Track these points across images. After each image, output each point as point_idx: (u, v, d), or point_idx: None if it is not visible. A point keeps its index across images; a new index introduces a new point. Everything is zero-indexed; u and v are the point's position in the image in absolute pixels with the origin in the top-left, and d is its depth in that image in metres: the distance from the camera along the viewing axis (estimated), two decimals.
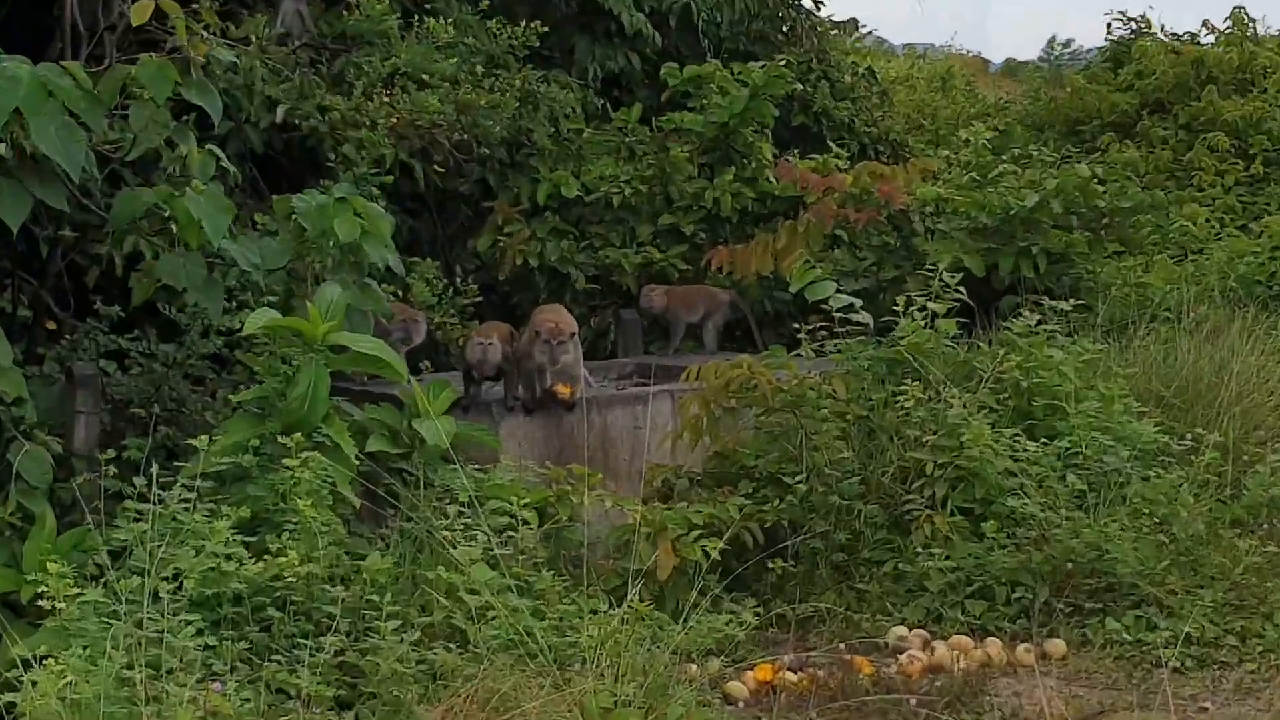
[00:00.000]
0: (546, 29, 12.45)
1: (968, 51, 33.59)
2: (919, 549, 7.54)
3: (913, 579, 7.51)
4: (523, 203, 11.93)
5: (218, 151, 7.81)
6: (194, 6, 7.75)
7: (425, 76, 11.40)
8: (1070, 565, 7.30)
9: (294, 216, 8.05)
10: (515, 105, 11.70)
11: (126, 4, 7.39)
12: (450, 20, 11.93)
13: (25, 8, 10.66)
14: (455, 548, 6.48)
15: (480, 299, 11.20)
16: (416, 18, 11.98)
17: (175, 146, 7.72)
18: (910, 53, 30.26)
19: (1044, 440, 8.08)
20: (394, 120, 10.92)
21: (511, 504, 6.96)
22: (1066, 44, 33.45)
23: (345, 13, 12.06)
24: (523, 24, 12.26)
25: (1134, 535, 7.44)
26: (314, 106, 10.93)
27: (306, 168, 10.81)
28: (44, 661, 5.39)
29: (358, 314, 7.86)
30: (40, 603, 5.80)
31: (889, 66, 24.04)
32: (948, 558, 7.45)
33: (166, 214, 7.51)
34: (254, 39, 10.93)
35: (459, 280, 11.35)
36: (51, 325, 9.34)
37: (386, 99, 11.06)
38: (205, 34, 7.74)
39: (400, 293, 10.24)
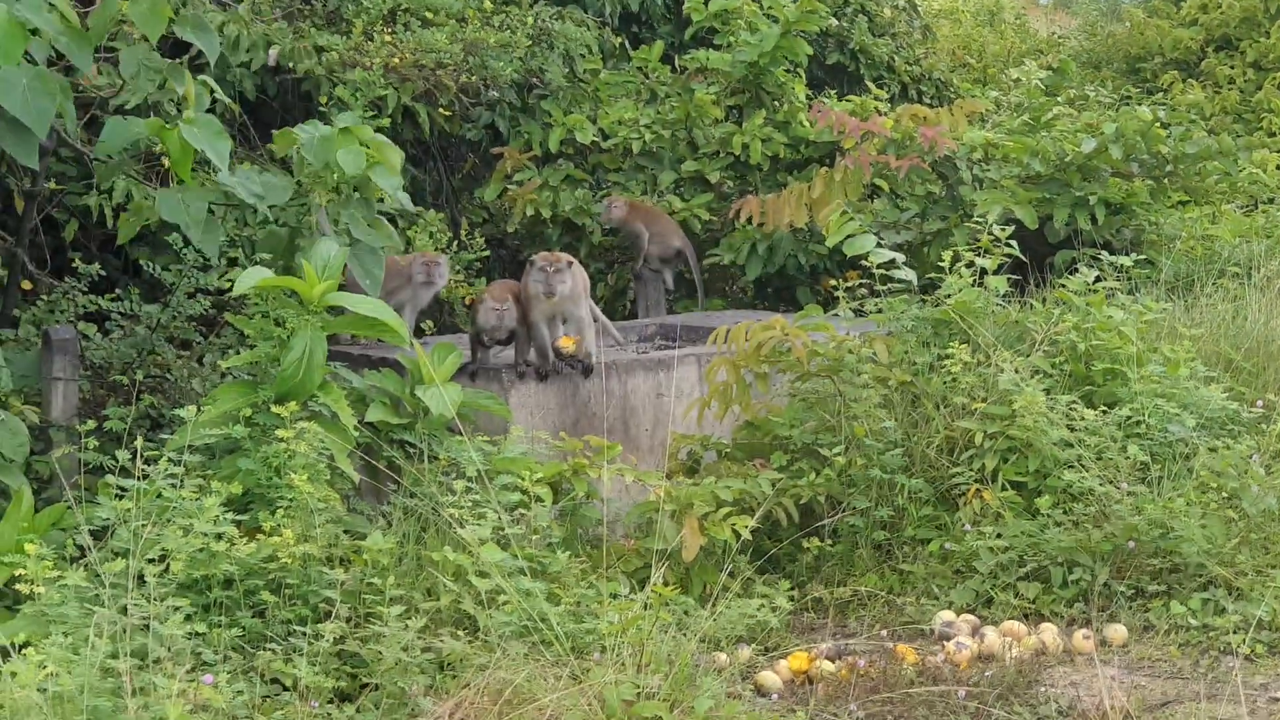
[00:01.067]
0: None
1: None
2: (967, 526, 7.51)
3: (960, 559, 7.49)
4: (534, 149, 11.89)
5: (211, 83, 7.75)
6: None
7: (429, 13, 11.36)
8: (1132, 544, 7.27)
9: (296, 151, 7.99)
10: (527, 44, 11.65)
11: None
12: None
13: None
14: (463, 526, 6.47)
15: (487, 254, 11.20)
16: None
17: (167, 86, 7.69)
18: None
19: (1103, 408, 8.04)
20: (396, 61, 10.88)
21: (523, 479, 6.94)
22: None
23: None
24: None
25: (1201, 511, 7.40)
26: (310, 46, 10.90)
27: (300, 114, 10.79)
28: (22, 650, 5.39)
29: (369, 252, 7.82)
30: (17, 586, 5.81)
31: None
32: (999, 536, 7.41)
33: (157, 148, 7.45)
34: None
35: (465, 233, 11.33)
36: (27, 285, 9.35)
37: (389, 38, 11.02)
38: None
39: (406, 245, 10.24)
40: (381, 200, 8.23)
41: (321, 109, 10.56)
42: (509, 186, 11.71)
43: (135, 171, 7.79)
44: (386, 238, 8.06)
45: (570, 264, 8.42)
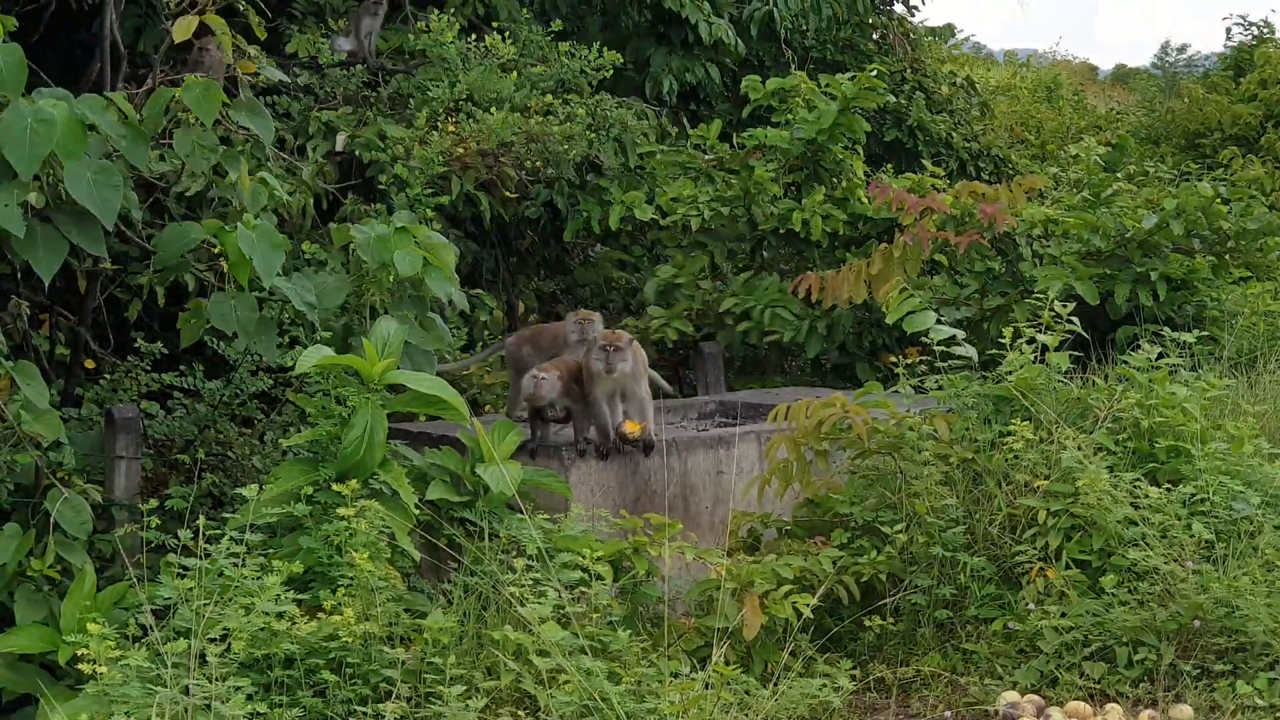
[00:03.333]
0: (619, 56, 12.46)
1: (1074, 58, 33.58)
2: (1031, 605, 7.44)
3: (1024, 638, 7.42)
4: (594, 228, 11.93)
5: (270, 180, 7.85)
6: (242, 21, 7.80)
7: (491, 96, 11.43)
8: (1197, 623, 7.19)
9: (351, 248, 8.07)
10: (589, 135, 11.71)
11: (171, 21, 7.46)
12: (517, 41, 11.96)
13: (61, 27, 10.79)
14: (523, 605, 6.46)
15: None
16: (477, 36, 12.02)
17: (224, 174, 7.78)
18: (1012, 60, 30.22)
19: (1167, 485, 7.97)
20: (460, 151, 10.95)
21: (584, 557, 6.93)
22: (1181, 49, 33.28)
23: (407, 29, 12.13)
24: (595, 44, 12.26)
25: (1266, 590, 7.32)
26: (374, 134, 10.99)
27: (361, 193, 10.88)
28: None
29: (420, 353, 7.87)
30: (79, 665, 5.83)
31: (989, 75, 24.00)
32: (1063, 615, 7.35)
33: (216, 249, 7.56)
34: (309, 57, 11.03)
35: (521, 314, 11.36)
36: (90, 364, 9.42)
37: (453, 129, 11.10)
38: (254, 52, 7.80)
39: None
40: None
41: (381, 187, 10.64)
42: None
43: (197, 268, 7.89)
44: (437, 340, 8.11)
45: (630, 342, 8.44)
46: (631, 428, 8.41)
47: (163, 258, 7.65)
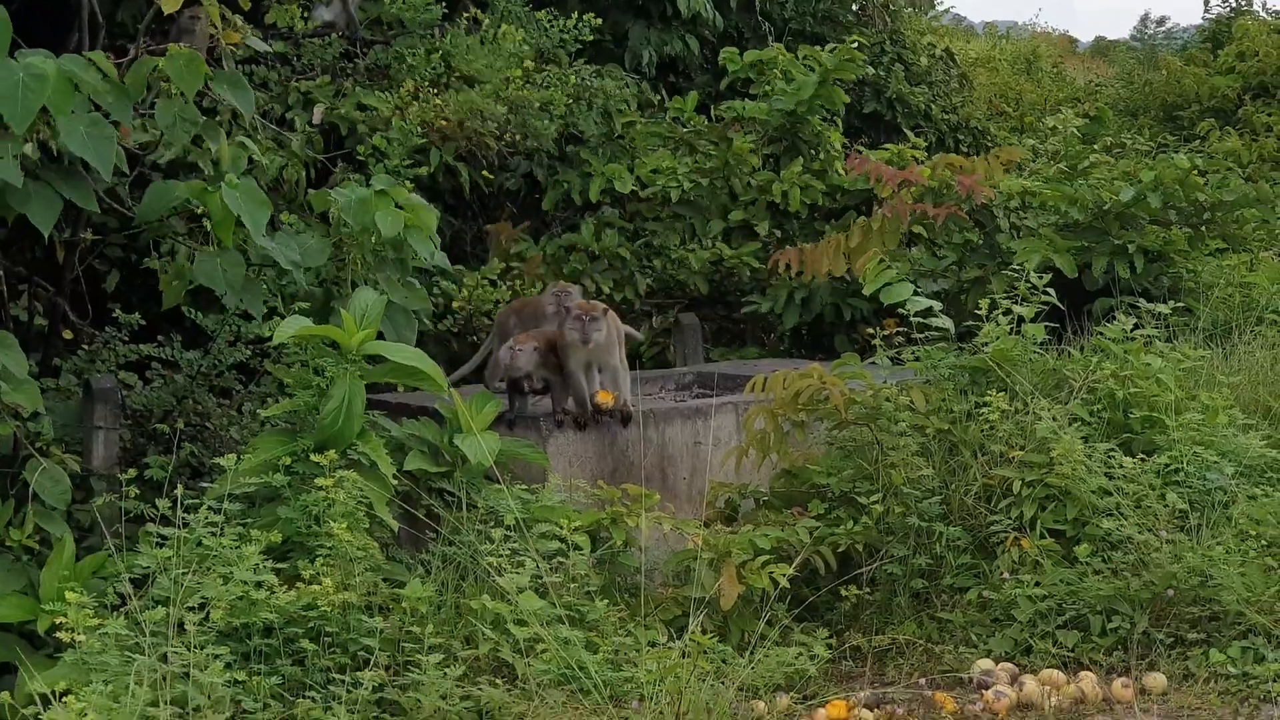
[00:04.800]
0: (600, 21, 12.45)
1: (1054, 30, 33.56)
2: (1006, 574, 7.48)
3: (999, 607, 7.46)
4: (574, 199, 11.94)
5: (250, 145, 7.84)
6: None
7: (474, 75, 11.42)
8: (1171, 592, 7.24)
9: (331, 215, 8.07)
10: (568, 102, 11.70)
11: None
12: (499, 14, 11.94)
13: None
14: (501, 575, 6.49)
15: None
16: (449, 6, 11.97)
17: (203, 144, 7.77)
18: (991, 32, 30.24)
19: (1141, 456, 8.01)
20: (442, 123, 10.94)
21: (561, 527, 6.96)
22: (1160, 22, 33.34)
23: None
24: (574, 15, 12.25)
25: (1240, 559, 7.36)
26: (352, 105, 10.97)
27: (335, 162, 10.87)
28: (63, 698, 5.43)
29: (401, 313, 7.88)
30: (59, 634, 5.85)
31: (968, 47, 24.00)
32: (1037, 584, 7.39)
33: (199, 210, 7.55)
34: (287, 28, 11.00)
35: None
36: (68, 334, 9.41)
37: (437, 100, 11.08)
38: (239, 23, 7.78)
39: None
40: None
41: (360, 158, 10.63)
42: (511, 263, 11.60)
43: (179, 230, 7.87)
44: (420, 300, 8.12)
45: (605, 312, 8.46)
46: (604, 398, 8.42)
47: (145, 214, 7.63)
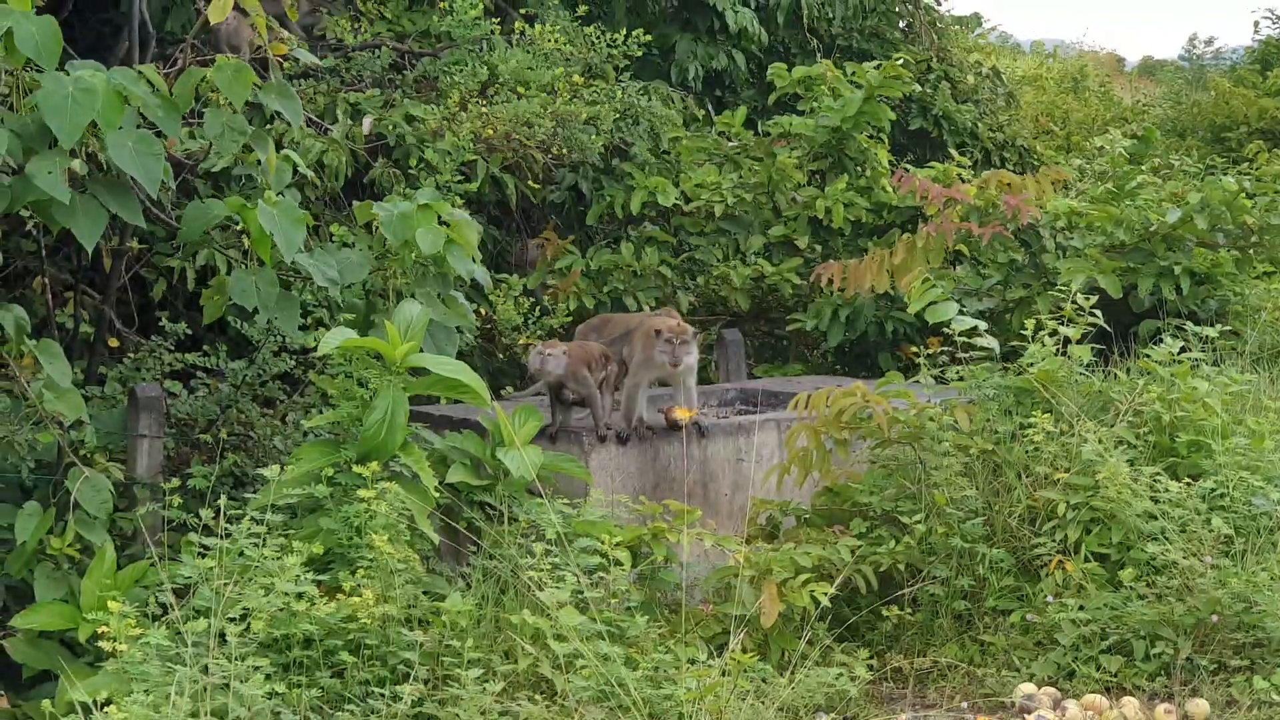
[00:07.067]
0: (649, 36, 12.45)
1: (1101, 49, 33.46)
2: (1049, 598, 7.44)
3: (1042, 631, 7.42)
4: (617, 212, 11.94)
5: (295, 157, 7.86)
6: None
7: (522, 88, 11.43)
8: (1215, 618, 7.18)
9: (374, 226, 8.08)
10: (614, 117, 11.70)
11: (201, 1, 7.47)
12: (550, 27, 11.95)
13: (90, 6, 10.81)
14: (542, 589, 6.47)
15: (570, 319, 11.21)
16: (502, 21, 11.99)
17: (251, 152, 7.78)
18: (1039, 50, 30.13)
19: (1187, 480, 7.95)
20: (489, 132, 10.94)
21: (602, 542, 6.95)
22: (1209, 42, 33.07)
23: (432, 10, 12.13)
24: (623, 32, 12.26)
25: None
26: (401, 116, 10.99)
27: (388, 178, 10.88)
28: (104, 708, 5.44)
29: (442, 330, 7.87)
30: (100, 643, 5.85)
31: (1016, 65, 23.95)
32: (1081, 608, 7.34)
33: (239, 226, 7.57)
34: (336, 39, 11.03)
35: (548, 300, 11.35)
36: (114, 343, 9.45)
37: (484, 109, 11.09)
38: (287, 34, 7.79)
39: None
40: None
41: (410, 171, 10.65)
42: (549, 280, 11.59)
43: (221, 245, 7.89)
44: (460, 315, 8.10)
45: (695, 335, 8.41)
46: (683, 414, 8.40)
47: (186, 234, 7.65)
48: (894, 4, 15.73)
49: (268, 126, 7.96)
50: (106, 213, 7.01)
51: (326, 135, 10.50)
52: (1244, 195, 11.84)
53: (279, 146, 7.96)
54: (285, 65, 8.18)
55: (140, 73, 7.03)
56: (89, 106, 6.68)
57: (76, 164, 6.88)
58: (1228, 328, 10.06)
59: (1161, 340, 8.96)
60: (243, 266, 7.54)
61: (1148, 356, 8.80)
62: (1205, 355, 9.04)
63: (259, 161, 7.73)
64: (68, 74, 6.74)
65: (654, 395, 8.69)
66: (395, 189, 10.31)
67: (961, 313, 8.64)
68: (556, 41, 11.66)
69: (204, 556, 6.24)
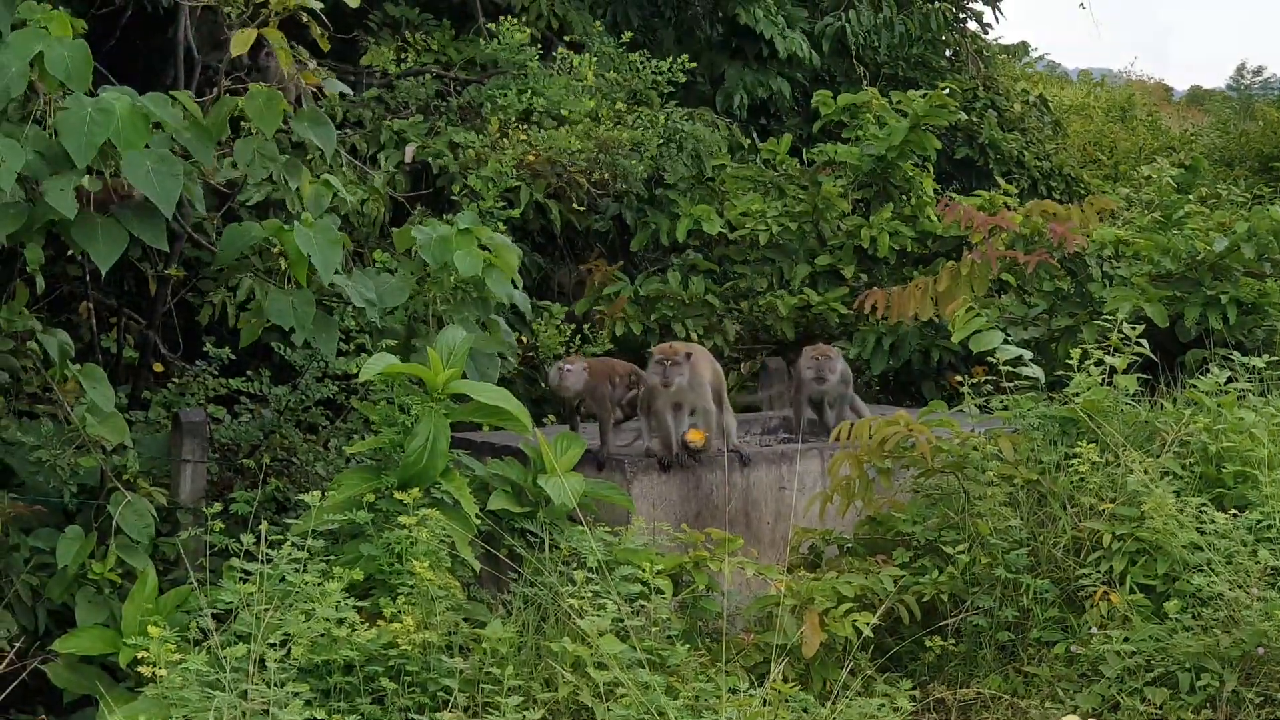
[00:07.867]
0: (694, 63, 12.46)
1: (1149, 78, 33.34)
2: (1094, 629, 7.38)
3: (1087, 662, 7.36)
4: (662, 240, 11.94)
5: (334, 182, 7.87)
6: (309, 35, 7.83)
7: (565, 113, 11.46)
8: (1261, 650, 7.11)
9: (414, 251, 8.09)
10: (658, 144, 11.71)
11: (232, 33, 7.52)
12: (593, 55, 11.98)
13: (139, 34, 10.88)
14: (582, 617, 6.45)
15: (612, 346, 11.21)
16: (544, 47, 12.04)
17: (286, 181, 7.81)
18: (1086, 79, 30.02)
19: (1234, 511, 7.89)
20: (531, 158, 10.97)
21: (644, 570, 6.92)
22: (1257, 71, 32.95)
23: (479, 39, 12.17)
24: (668, 59, 12.27)
25: None
26: (444, 144, 11.02)
27: (432, 203, 10.92)
28: None
29: (483, 355, 7.87)
30: (140, 668, 5.86)
31: (1063, 94, 23.86)
32: (1126, 639, 7.28)
33: (277, 249, 7.59)
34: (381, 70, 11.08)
35: (589, 327, 11.35)
36: (159, 367, 9.49)
37: (524, 137, 11.11)
38: (318, 65, 7.81)
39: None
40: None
41: (454, 198, 10.67)
42: (598, 306, 11.60)
43: (258, 269, 7.91)
44: (501, 342, 8.10)
45: (689, 355, 8.42)
46: (695, 436, 8.39)
47: (223, 256, 7.68)
48: (941, 32, 15.70)
49: (304, 156, 7.98)
50: (127, 234, 7.01)
51: (366, 183, 10.52)
52: None
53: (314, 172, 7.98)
54: (322, 95, 8.18)
55: (173, 98, 7.06)
56: (105, 127, 6.72)
57: (88, 181, 6.89)
58: (1275, 358, 9.97)
59: (1208, 370, 8.91)
60: (280, 288, 7.55)
61: (1194, 386, 8.74)
62: (1252, 385, 8.98)
63: (296, 189, 7.76)
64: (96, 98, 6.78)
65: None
66: (428, 219, 10.34)
67: (1006, 341, 8.60)
68: (595, 71, 11.68)
69: (245, 581, 6.24)
